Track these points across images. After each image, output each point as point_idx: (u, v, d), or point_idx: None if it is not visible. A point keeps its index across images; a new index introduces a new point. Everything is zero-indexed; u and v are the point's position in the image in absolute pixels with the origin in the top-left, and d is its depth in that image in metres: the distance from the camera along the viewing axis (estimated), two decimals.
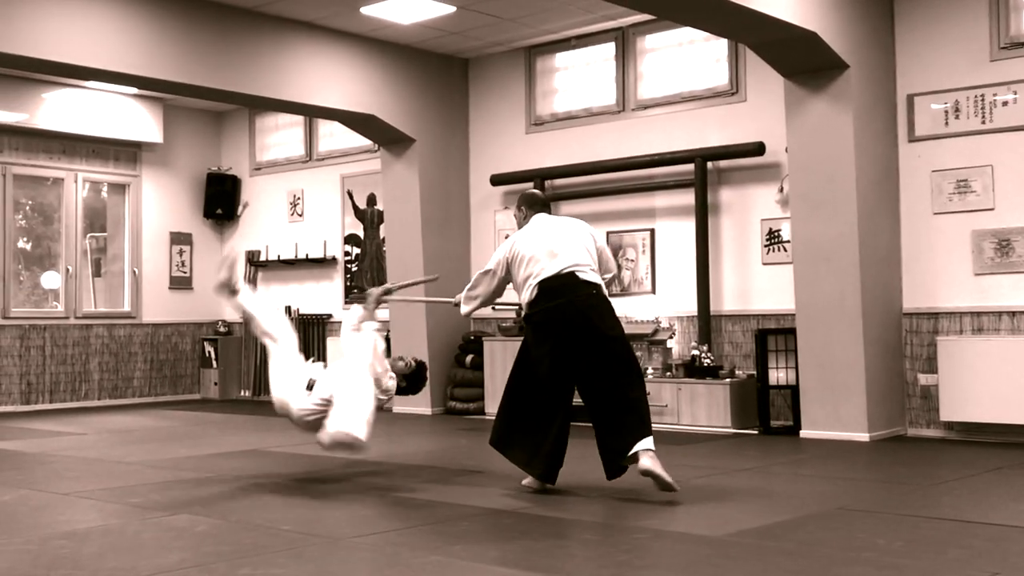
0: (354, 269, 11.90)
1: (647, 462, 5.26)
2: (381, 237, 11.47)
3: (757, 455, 7.24)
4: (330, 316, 12.06)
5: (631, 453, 5.28)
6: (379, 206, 11.53)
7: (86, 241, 12.33)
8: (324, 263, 12.08)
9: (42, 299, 12.15)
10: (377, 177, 11.32)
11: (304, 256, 12.21)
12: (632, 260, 9.70)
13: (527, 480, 5.74)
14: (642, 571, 3.90)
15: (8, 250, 11.59)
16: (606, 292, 5.62)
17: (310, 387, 5.82)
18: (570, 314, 5.42)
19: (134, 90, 11.67)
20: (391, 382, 6.02)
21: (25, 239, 12.17)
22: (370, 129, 10.42)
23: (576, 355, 5.43)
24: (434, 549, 4.28)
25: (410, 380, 6.27)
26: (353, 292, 11.80)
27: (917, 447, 7.59)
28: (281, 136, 12.73)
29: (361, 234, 11.82)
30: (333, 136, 12.09)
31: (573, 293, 5.45)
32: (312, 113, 10.56)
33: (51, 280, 12.11)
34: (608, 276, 5.77)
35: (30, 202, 12.22)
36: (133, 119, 12.21)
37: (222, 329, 12.91)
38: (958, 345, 7.87)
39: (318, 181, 12.27)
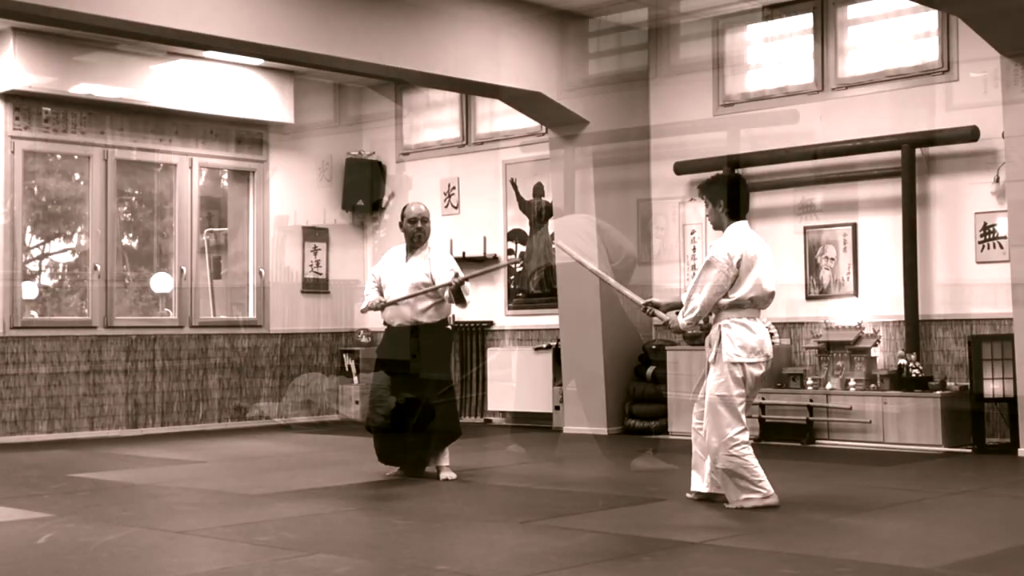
0: (518, 269, 12.60)
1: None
2: (550, 233, 12.11)
3: (972, 476, 7.97)
4: (491, 324, 12.84)
5: None
6: (547, 197, 12.27)
7: (203, 237, 12.98)
8: (483, 263, 12.47)
9: (151, 305, 12.69)
10: (545, 164, 12.04)
11: (460, 254, 12.47)
12: (832, 259, 10.55)
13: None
14: None
15: (112, 248, 12.02)
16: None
17: None
18: None
19: (260, 62, 12.15)
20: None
21: (131, 235, 12.69)
22: (536, 109, 11.15)
23: None
24: None
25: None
26: (518, 296, 12.65)
27: None
28: (433, 117, 13.51)
29: (527, 230, 12.54)
30: (494, 117, 12.88)
31: None
32: (470, 90, 11.29)
33: (162, 283, 12.59)
34: None
35: (137, 192, 12.66)
36: (259, 96, 12.73)
37: (364, 339, 13.47)
38: None
39: (476, 168, 13.05)
